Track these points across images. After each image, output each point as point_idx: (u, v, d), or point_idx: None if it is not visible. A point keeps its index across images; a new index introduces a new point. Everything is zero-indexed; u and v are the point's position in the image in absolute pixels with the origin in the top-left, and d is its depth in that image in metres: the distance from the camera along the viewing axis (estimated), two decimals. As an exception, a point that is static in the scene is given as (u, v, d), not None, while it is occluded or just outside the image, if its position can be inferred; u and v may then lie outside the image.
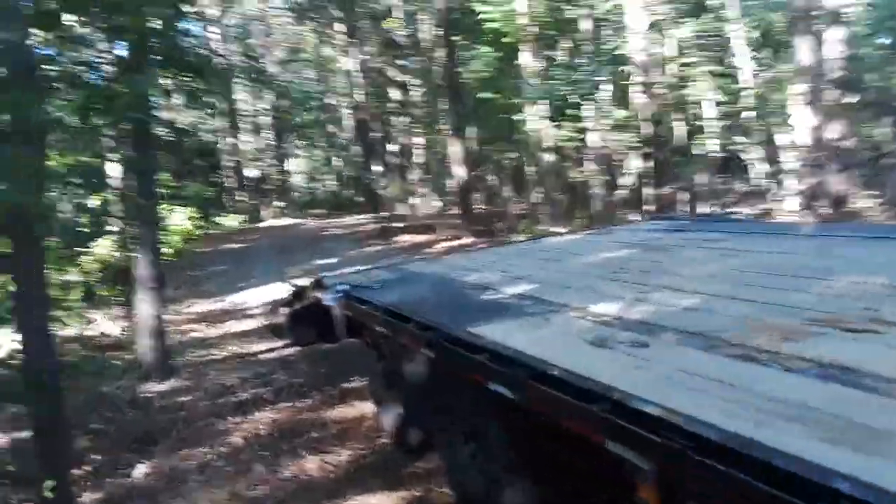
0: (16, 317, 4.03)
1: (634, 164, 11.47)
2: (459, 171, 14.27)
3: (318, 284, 5.00)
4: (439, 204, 17.83)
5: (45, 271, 4.00)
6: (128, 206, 6.38)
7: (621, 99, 11.49)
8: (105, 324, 8.67)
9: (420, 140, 18.56)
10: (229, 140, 29.56)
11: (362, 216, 22.50)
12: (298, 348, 6.86)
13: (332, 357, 6.63)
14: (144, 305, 6.33)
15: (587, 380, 2.17)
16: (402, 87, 18.85)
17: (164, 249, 8.47)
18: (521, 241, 8.06)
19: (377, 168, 19.56)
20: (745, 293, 3.00)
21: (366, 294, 4.15)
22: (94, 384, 6.27)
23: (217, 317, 9.43)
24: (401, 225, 18.72)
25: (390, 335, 3.71)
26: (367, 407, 5.09)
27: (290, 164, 35.74)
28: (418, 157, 19.03)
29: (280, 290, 11.05)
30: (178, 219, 8.60)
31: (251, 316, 9.26)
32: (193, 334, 8.30)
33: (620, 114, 11.08)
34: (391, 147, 20.20)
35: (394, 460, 4.23)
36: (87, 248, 8.38)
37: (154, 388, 6.05)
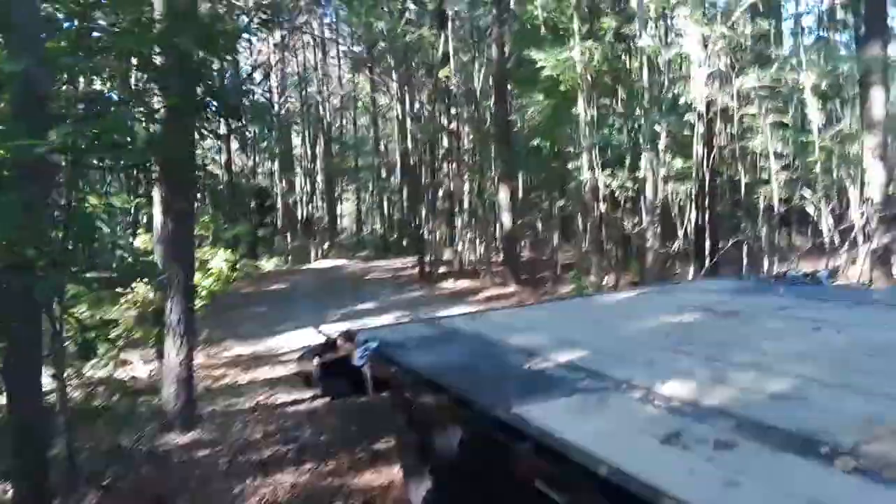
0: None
1: (692, 216, 10.89)
2: (506, 218, 13.90)
3: (347, 337, 4.64)
4: (484, 250, 17.44)
5: (39, 315, 3.72)
6: (165, 248, 6.12)
7: (681, 149, 11.00)
8: (139, 367, 8.47)
9: (468, 186, 18.32)
10: (283, 183, 30.06)
11: (407, 259, 22.30)
12: (328, 400, 6.49)
13: (363, 411, 6.21)
14: (172, 351, 6.04)
15: (659, 494, 1.69)
16: (454, 133, 18.74)
17: (201, 292, 8.24)
18: (571, 298, 7.56)
19: (424, 213, 19.35)
20: (856, 381, 2.47)
21: (397, 354, 3.75)
22: (115, 433, 5.97)
23: (250, 362, 9.14)
24: (444, 270, 18.38)
25: (422, 405, 3.28)
26: (395, 474, 4.62)
27: (340, 208, 36.13)
28: (466, 203, 18.77)
29: (314, 336, 10.77)
30: (217, 261, 8.35)
31: (284, 362, 8.93)
32: (224, 380, 8.00)
33: (678, 163, 10.58)
34: (439, 192, 20.01)
35: (421, 545, 3.73)
36: (127, 289, 8.22)
37: (175, 439, 5.71)
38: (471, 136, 18.13)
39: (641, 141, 10.53)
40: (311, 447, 5.37)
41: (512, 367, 3.18)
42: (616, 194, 11.31)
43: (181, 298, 6.10)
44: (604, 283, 11.12)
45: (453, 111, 18.96)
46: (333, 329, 10.59)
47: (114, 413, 6.43)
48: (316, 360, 5.47)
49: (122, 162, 5.65)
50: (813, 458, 1.84)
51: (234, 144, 29.76)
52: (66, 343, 7.27)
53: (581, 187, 12.18)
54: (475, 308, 12.18)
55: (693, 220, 10.96)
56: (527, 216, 17.64)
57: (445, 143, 19.11)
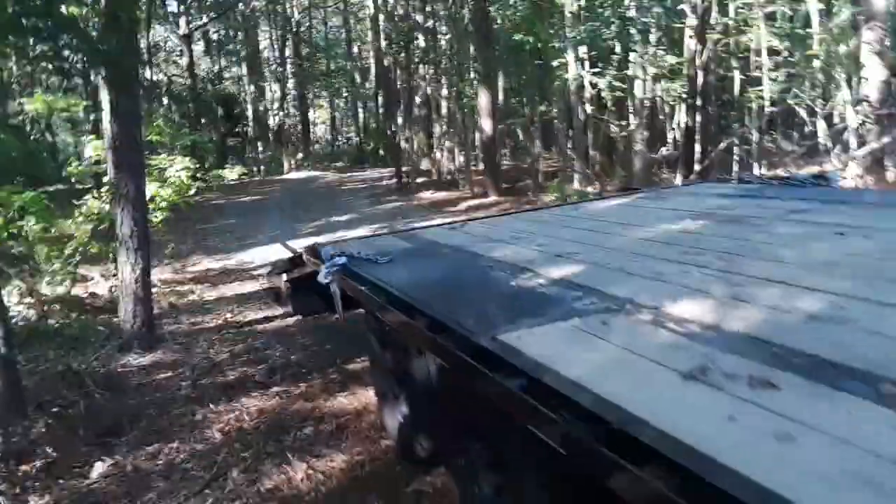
0: None
1: (681, 118, 10.35)
2: (487, 124, 13.24)
3: (313, 253, 4.21)
4: (463, 159, 16.84)
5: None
6: (112, 154, 5.51)
7: (672, 45, 10.31)
8: (101, 283, 8.00)
9: (446, 91, 17.44)
10: (252, 89, 28.66)
11: (384, 170, 21.63)
12: (300, 318, 6.13)
13: (338, 330, 5.86)
14: (127, 267, 5.57)
15: (699, 457, 1.31)
16: (430, 32, 17.65)
17: (159, 203, 7.68)
18: (557, 205, 7.12)
19: (400, 120, 18.53)
20: (904, 297, 2.09)
21: (367, 269, 3.31)
22: (68, 355, 5.57)
23: (219, 277, 8.71)
24: (423, 181, 17.83)
25: (394, 329, 2.88)
26: (370, 397, 4.30)
27: (313, 115, 34.80)
28: (444, 109, 17.96)
29: (285, 250, 10.32)
30: (175, 170, 7.72)
31: (255, 277, 8.52)
32: (190, 297, 7.58)
33: (670, 60, 9.92)
34: (416, 98, 19.10)
35: (396, 474, 3.44)
36: (78, 201, 7.63)
37: (134, 361, 5.33)
38: (448, 36, 17.09)
39: (631, 35, 9.80)
40: (280, 368, 5.02)
41: (498, 285, 2.76)
42: (602, 95, 10.68)
43: (132, 209, 5.56)
44: (587, 191, 10.69)
45: (429, 8, 17.79)
46: (303, 244, 10.19)
47: (68, 333, 6.02)
48: (284, 277, 5.11)
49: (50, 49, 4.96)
50: (878, 398, 1.46)
51: (198, 47, 28.12)
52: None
53: (565, 88, 11.49)
54: (452, 217, 11.77)
55: (682, 123, 10.43)
56: (508, 121, 16.93)
57: (422, 43, 18.04)
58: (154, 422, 4.27)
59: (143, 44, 17.92)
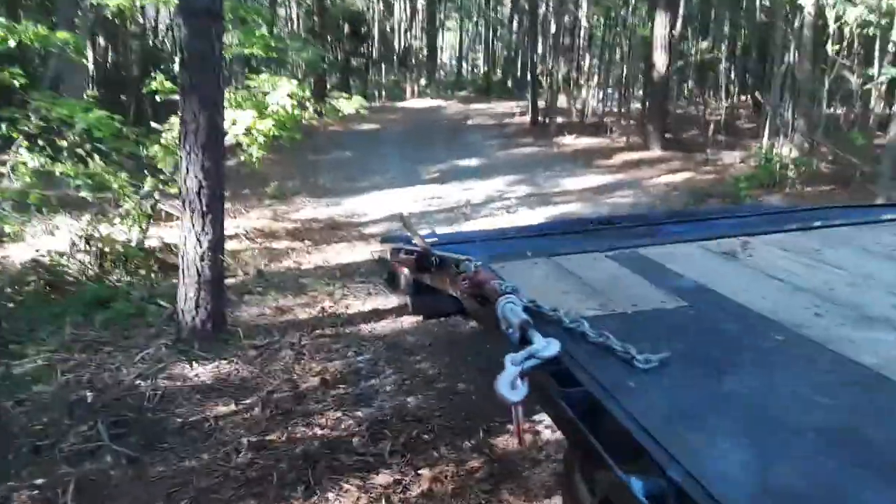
0: None
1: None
2: (660, 59, 10.68)
3: (447, 265, 2.54)
4: (618, 100, 14.31)
5: None
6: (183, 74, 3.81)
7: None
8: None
9: (602, 18, 14.76)
10: (380, 6, 26.82)
11: (512, 104, 19.33)
12: (420, 319, 4.40)
13: (474, 344, 4.06)
14: (191, 237, 3.94)
15: None
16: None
17: (255, 139, 6.03)
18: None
19: (541, 47, 16.09)
20: None
21: (608, 378, 1.42)
22: (116, 344, 4.10)
23: (323, 232, 7.09)
24: (561, 122, 15.43)
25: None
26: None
27: (440, 40, 32.58)
28: (597, 36, 15.34)
29: (404, 202, 8.55)
30: (278, 96, 6.00)
31: (365, 237, 6.82)
32: (284, 261, 5.98)
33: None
34: (561, 23, 16.47)
35: None
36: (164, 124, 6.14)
37: (188, 373, 3.75)
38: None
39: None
40: (392, 427, 3.25)
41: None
42: (846, 31, 7.81)
43: (201, 154, 3.88)
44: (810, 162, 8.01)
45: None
46: (425, 195, 8.29)
47: (119, 310, 4.55)
48: (405, 274, 3.43)
49: None
50: None
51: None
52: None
53: (785, 14, 8.68)
54: (609, 177, 9.54)
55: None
56: (690, 55, 14.06)
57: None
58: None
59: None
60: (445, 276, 2.83)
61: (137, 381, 3.64)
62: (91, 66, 15.96)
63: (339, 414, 3.36)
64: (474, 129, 15.99)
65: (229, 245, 6.39)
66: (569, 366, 1.56)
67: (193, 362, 3.84)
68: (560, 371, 1.56)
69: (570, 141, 12.95)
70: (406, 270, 3.74)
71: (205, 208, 3.91)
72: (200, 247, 3.93)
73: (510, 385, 1.54)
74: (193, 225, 3.92)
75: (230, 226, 7.00)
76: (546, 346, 1.56)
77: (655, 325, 1.82)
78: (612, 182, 9.07)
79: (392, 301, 4.86)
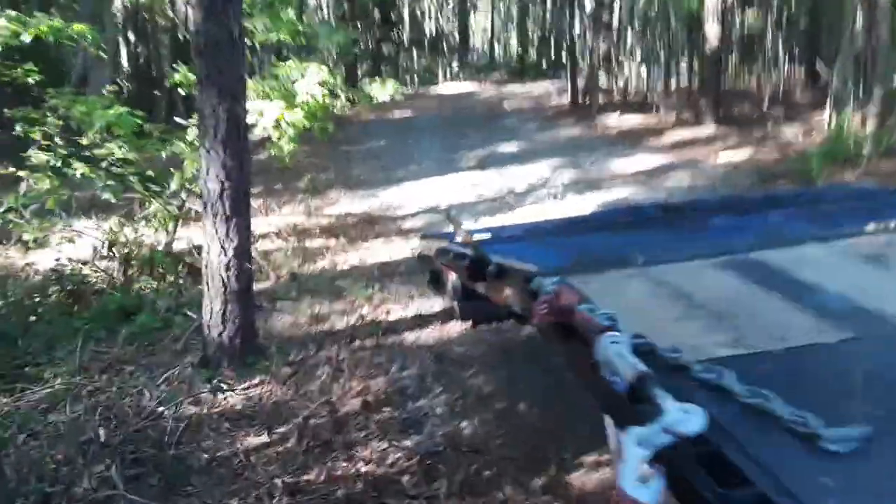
0: None
1: None
2: (712, 31, 9.93)
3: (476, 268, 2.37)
4: (664, 77, 13.56)
5: None
6: (198, 59, 3.40)
7: None
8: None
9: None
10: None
11: (549, 84, 18.61)
12: (468, 326, 3.96)
13: (533, 354, 3.61)
14: (214, 244, 3.54)
15: None
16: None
17: (285, 131, 5.63)
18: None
19: (578, 22, 15.40)
20: None
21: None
22: (139, 363, 3.76)
23: (359, 227, 6.67)
24: (603, 101, 14.71)
25: None
26: None
27: (472, 22, 31.88)
28: (638, 7, 14.58)
29: (443, 194, 8.07)
30: (307, 85, 5.57)
31: (404, 232, 6.39)
32: (320, 262, 5.58)
33: None
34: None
35: None
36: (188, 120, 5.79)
37: (210, 398, 3.35)
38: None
39: None
40: (446, 460, 2.82)
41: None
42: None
43: (222, 152, 3.47)
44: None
45: None
46: (466, 182, 7.82)
47: (143, 324, 4.20)
48: (452, 280, 3.00)
49: None
50: None
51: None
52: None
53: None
54: (661, 157, 8.90)
55: None
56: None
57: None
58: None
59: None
60: (507, 289, 2.37)
61: (160, 408, 3.26)
62: (125, 62, 15.86)
63: (384, 444, 2.93)
64: (511, 112, 15.39)
65: (261, 245, 6.04)
66: (722, 446, 1.09)
67: (222, 384, 3.45)
68: (709, 455, 1.09)
69: (614, 121, 12.26)
70: (454, 275, 3.31)
71: (228, 212, 3.51)
72: (225, 255, 3.53)
73: (638, 478, 1.08)
74: (217, 231, 3.52)
75: (262, 224, 6.65)
76: (686, 417, 1.09)
77: (822, 371, 1.33)
78: (665, 163, 8.44)
79: (436, 304, 4.42)
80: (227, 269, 3.55)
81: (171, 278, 5.14)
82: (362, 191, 8.19)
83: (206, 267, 3.60)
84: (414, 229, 6.39)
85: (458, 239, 3.07)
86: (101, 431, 2.89)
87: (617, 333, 1.38)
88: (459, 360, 3.68)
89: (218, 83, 3.47)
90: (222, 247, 3.52)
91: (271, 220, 6.85)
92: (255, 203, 7.15)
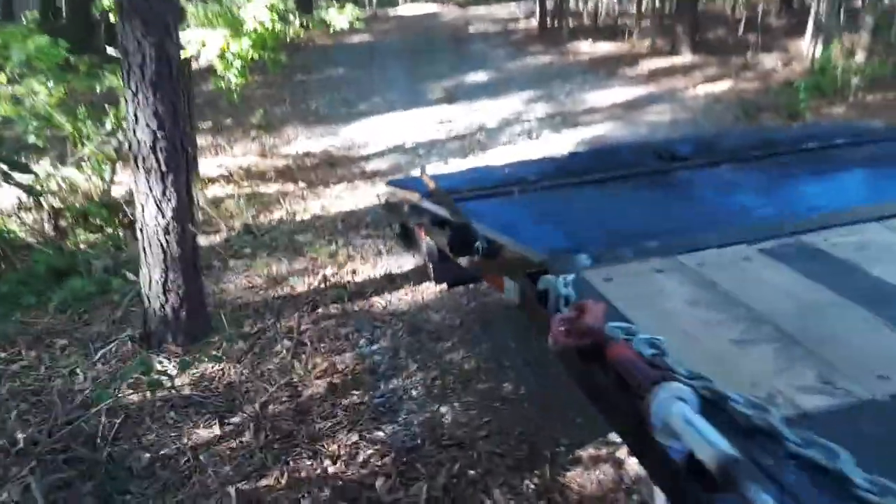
0: None
1: None
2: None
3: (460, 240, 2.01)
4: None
5: None
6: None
7: None
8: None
9: None
10: None
11: (513, 6, 17.75)
12: (444, 288, 3.62)
13: (515, 323, 3.27)
14: (149, 205, 3.04)
15: None
16: None
17: (231, 63, 5.01)
18: None
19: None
20: None
21: None
22: (73, 335, 3.31)
23: (320, 170, 6.14)
24: (573, 25, 14.03)
25: None
26: None
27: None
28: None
29: (410, 128, 7.52)
30: (255, 8, 4.92)
31: (369, 175, 5.90)
32: (276, 212, 5.08)
33: None
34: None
35: None
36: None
37: (158, 379, 2.94)
38: None
39: None
40: (422, 448, 2.49)
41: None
42: None
43: (151, 94, 2.92)
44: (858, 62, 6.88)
45: None
46: (433, 117, 7.37)
47: (74, 288, 3.72)
48: (427, 241, 2.82)
49: None
50: None
51: None
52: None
53: None
54: (639, 89, 8.43)
55: None
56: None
57: None
58: None
59: None
60: (505, 279, 1.99)
61: (96, 391, 2.84)
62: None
63: (354, 437, 2.58)
64: (477, 37, 14.60)
65: (210, 191, 5.51)
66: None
67: (166, 364, 3.04)
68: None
69: (587, 47, 11.67)
70: (429, 238, 2.92)
71: (164, 167, 2.99)
72: (163, 216, 3.04)
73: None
74: (151, 189, 3.01)
75: (211, 166, 6.08)
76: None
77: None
78: (644, 95, 8.00)
79: (407, 262, 4.04)
80: (167, 232, 3.07)
81: (109, 230, 4.61)
82: (321, 127, 7.60)
83: (142, 231, 3.11)
84: (380, 172, 5.90)
85: (434, 198, 2.66)
86: (31, 421, 2.46)
87: (680, 386, 1.01)
88: (436, 331, 3.31)
89: (142, 11, 2.89)
90: (159, 207, 3.02)
91: (221, 162, 6.26)
92: (202, 141, 6.58)
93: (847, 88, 6.56)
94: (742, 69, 8.66)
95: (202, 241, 4.35)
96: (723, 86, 8.11)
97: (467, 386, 2.88)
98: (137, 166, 3.01)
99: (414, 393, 2.85)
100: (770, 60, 8.99)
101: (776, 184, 2.29)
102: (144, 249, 3.13)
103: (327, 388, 2.89)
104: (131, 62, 2.91)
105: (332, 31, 6.68)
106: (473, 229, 2.20)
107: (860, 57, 6.50)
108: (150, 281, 3.15)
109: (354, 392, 2.85)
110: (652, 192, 2.55)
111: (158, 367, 2.99)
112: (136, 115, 2.94)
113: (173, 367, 3.02)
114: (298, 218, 4.91)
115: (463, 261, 2.46)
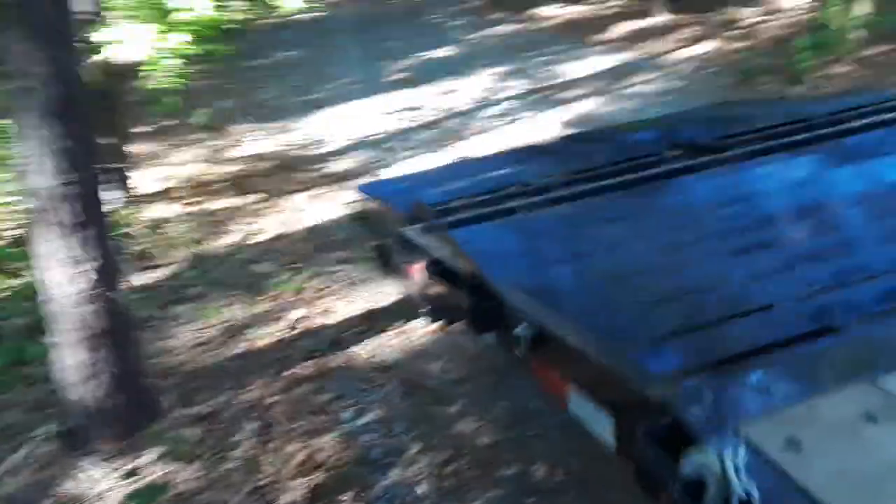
0: None
1: None
2: None
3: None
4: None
5: None
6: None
7: None
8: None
9: None
10: None
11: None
12: (438, 327, 2.98)
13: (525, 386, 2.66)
14: (56, 274, 2.30)
15: None
16: None
17: (159, 63, 4.21)
18: None
19: None
20: None
21: None
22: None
23: (276, 175, 5.38)
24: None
25: None
26: None
27: None
28: None
29: (376, 111, 6.78)
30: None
31: (330, 178, 5.18)
32: (226, 235, 4.33)
33: None
34: None
35: None
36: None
37: (85, 492, 2.25)
38: None
39: None
40: None
41: None
42: None
43: (58, 125, 2.18)
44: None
45: None
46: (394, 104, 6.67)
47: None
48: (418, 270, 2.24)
49: None
50: None
51: None
52: None
53: None
54: (618, 56, 7.77)
55: None
56: None
57: None
58: None
59: None
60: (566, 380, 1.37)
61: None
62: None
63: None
64: (431, 7, 13.72)
65: (148, 212, 4.72)
66: None
67: (93, 470, 2.35)
68: None
69: (550, 11, 10.95)
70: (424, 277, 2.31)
71: (77, 219, 2.26)
72: (81, 284, 2.31)
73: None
74: (61, 250, 2.28)
75: (148, 179, 5.28)
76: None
77: None
78: (624, 63, 7.36)
79: (388, 291, 3.36)
80: (90, 302, 2.35)
81: (25, 278, 3.83)
82: (274, 123, 6.79)
83: (48, 305, 2.38)
84: (345, 174, 5.18)
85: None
86: None
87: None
88: (437, 390, 2.67)
89: (26, 21, 2.13)
90: (75, 274, 2.29)
91: (160, 173, 5.46)
92: (137, 149, 5.75)
93: (849, 44, 6.02)
94: (724, 27, 8.07)
95: (135, 280, 3.64)
96: (707, 47, 7.51)
97: (487, 472, 2.25)
98: (37, 224, 2.27)
99: (419, 491, 2.21)
100: (750, 15, 8.41)
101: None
102: (53, 329, 2.40)
103: (307, 492, 2.23)
104: (21, 89, 2.15)
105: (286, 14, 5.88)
106: (508, 301, 1.59)
107: (865, 7, 5.95)
108: (64, 364, 2.43)
109: (343, 497, 2.20)
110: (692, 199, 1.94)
111: (83, 478, 2.30)
112: (35, 159, 2.19)
113: (103, 474, 2.34)
114: (254, 241, 4.18)
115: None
